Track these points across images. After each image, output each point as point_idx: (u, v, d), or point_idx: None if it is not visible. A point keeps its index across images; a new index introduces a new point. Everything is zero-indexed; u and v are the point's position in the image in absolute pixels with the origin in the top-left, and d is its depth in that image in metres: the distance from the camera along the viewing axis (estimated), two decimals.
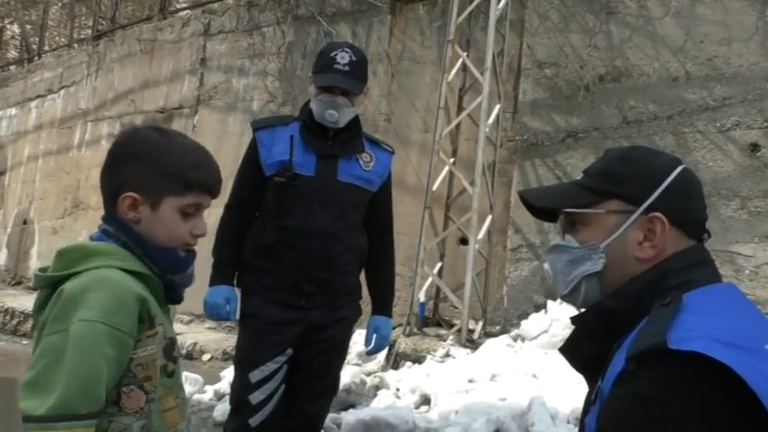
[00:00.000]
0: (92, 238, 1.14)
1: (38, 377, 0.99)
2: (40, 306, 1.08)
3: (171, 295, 1.16)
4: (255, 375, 2.08)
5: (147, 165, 1.11)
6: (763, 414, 0.71)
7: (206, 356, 5.70)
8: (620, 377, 0.79)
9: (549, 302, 4.48)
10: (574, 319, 0.95)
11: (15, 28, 12.72)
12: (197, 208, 1.15)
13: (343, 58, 2.08)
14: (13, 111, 10.74)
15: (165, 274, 1.13)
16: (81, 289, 1.03)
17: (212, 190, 1.16)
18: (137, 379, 1.06)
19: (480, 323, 4.93)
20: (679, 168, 0.94)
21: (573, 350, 0.93)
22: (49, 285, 1.08)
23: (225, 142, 6.75)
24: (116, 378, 1.03)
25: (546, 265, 1.01)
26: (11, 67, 11.94)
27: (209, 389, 4.27)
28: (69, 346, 0.99)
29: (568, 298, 0.98)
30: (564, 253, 0.97)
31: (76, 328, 1.00)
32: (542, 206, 1.02)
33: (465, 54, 5.24)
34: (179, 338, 6.21)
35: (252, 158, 2.18)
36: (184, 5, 8.17)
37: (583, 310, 0.96)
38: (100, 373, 1.00)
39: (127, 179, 1.11)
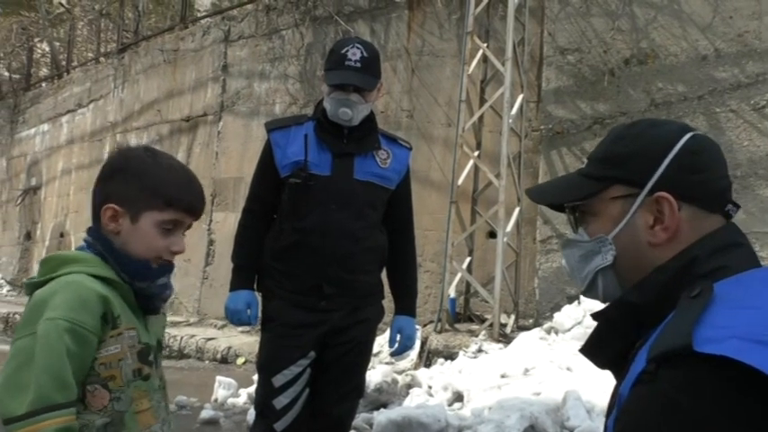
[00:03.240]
0: (77, 249, 1.22)
1: (10, 379, 1.04)
2: None
3: (147, 306, 1.21)
4: (279, 380, 2.06)
5: (131, 180, 1.17)
6: None
7: (240, 360, 5.75)
8: (639, 379, 0.72)
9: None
10: (595, 316, 0.88)
11: (45, 46, 13.06)
12: (176, 225, 1.19)
13: (354, 54, 2.05)
14: (45, 126, 11.03)
15: (132, 280, 1.17)
16: (49, 294, 1.09)
17: (193, 210, 1.21)
18: (100, 378, 1.10)
19: (512, 317, 4.85)
20: (684, 138, 0.84)
21: (596, 348, 0.87)
22: (33, 292, 1.15)
23: (249, 147, 6.80)
24: (79, 374, 1.07)
25: (563, 261, 0.95)
26: (42, 84, 12.26)
27: (242, 392, 4.30)
28: (37, 345, 1.05)
29: (588, 294, 0.92)
30: (575, 247, 0.91)
31: (42, 327, 1.06)
32: (546, 203, 0.97)
33: (485, 45, 5.16)
34: (212, 343, 6.29)
35: (267, 160, 2.16)
36: (204, 13, 8.25)
37: (607, 304, 0.89)
38: (67, 364, 1.05)
39: (111, 193, 1.18)
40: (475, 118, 5.17)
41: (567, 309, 4.35)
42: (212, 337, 6.24)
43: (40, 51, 13.43)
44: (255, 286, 2.23)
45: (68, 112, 10.36)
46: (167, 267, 1.22)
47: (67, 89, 10.59)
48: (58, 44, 12.42)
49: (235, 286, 2.19)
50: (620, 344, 0.83)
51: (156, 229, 1.17)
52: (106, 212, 1.17)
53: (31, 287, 1.15)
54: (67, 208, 9.96)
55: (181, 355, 6.03)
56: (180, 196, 1.18)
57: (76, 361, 1.06)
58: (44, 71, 13.73)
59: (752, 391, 0.65)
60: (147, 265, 1.18)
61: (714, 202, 0.84)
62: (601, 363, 0.88)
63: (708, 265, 0.79)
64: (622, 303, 0.84)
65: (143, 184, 1.16)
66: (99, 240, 1.18)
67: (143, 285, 1.18)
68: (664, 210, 0.82)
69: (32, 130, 11.42)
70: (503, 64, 4.87)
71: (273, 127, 2.19)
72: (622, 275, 0.87)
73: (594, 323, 0.89)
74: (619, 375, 0.85)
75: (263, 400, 2.12)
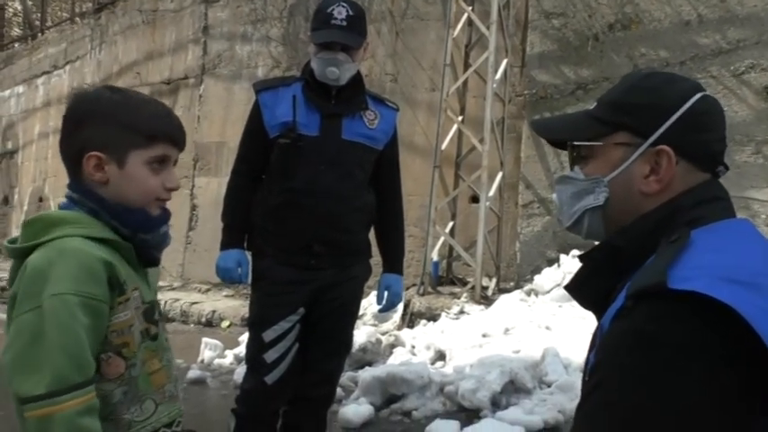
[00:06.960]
0: (60, 208, 1.12)
1: (20, 358, 0.99)
2: (12, 277, 1.08)
3: (146, 258, 1.14)
4: (269, 335, 2.11)
5: (105, 122, 1.07)
6: (765, 352, 0.68)
7: (225, 323, 5.80)
8: (618, 313, 0.78)
9: (562, 256, 4.48)
10: (582, 257, 0.93)
11: (17, 5, 12.63)
12: (164, 160, 1.12)
13: (340, 13, 2.05)
14: (20, 89, 10.75)
15: (135, 234, 1.10)
16: (47, 263, 1.01)
17: (176, 140, 1.13)
18: (113, 346, 1.05)
19: (494, 280, 4.95)
20: (695, 97, 0.88)
21: (581, 287, 0.92)
22: (18, 256, 1.07)
23: (232, 110, 6.72)
24: (96, 345, 1.03)
25: (554, 196, 0.99)
26: (15, 45, 11.91)
27: (228, 353, 4.37)
28: (47, 323, 0.98)
29: (572, 229, 0.97)
30: (570, 184, 0.94)
31: (49, 303, 0.99)
32: (550, 139, 0.99)
33: (470, 8, 5.13)
34: (197, 307, 6.28)
35: (255, 121, 2.16)
36: None
37: (594, 244, 0.94)
38: (83, 341, 1.00)
39: (87, 141, 1.07)
40: (459, 82, 5.17)
41: (546, 271, 4.46)
42: (197, 301, 6.27)
43: (11, 10, 13.00)
44: (246, 245, 2.26)
45: (44, 73, 10.10)
46: (167, 214, 1.15)
47: (42, 50, 10.30)
48: (30, 3, 12.02)
49: (225, 245, 2.22)
50: (602, 285, 0.88)
51: (147, 168, 1.09)
52: (89, 162, 1.06)
53: (15, 252, 1.07)
54: (45, 172, 9.80)
55: (165, 319, 6.03)
56: (162, 128, 1.10)
57: (93, 334, 1.01)
58: (16, 31, 13.32)
59: (718, 325, 0.71)
60: (147, 213, 1.11)
61: (708, 162, 0.90)
62: (584, 301, 0.93)
63: (689, 215, 0.85)
64: (607, 246, 0.90)
65: (121, 124, 1.07)
66: (88, 196, 1.08)
67: (147, 237, 1.11)
68: (662, 162, 0.87)
69: (7, 92, 11.13)
70: (488, 28, 4.85)
71: (261, 87, 2.19)
72: (609, 218, 0.92)
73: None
74: (600, 315, 0.90)
75: (253, 354, 2.17)
